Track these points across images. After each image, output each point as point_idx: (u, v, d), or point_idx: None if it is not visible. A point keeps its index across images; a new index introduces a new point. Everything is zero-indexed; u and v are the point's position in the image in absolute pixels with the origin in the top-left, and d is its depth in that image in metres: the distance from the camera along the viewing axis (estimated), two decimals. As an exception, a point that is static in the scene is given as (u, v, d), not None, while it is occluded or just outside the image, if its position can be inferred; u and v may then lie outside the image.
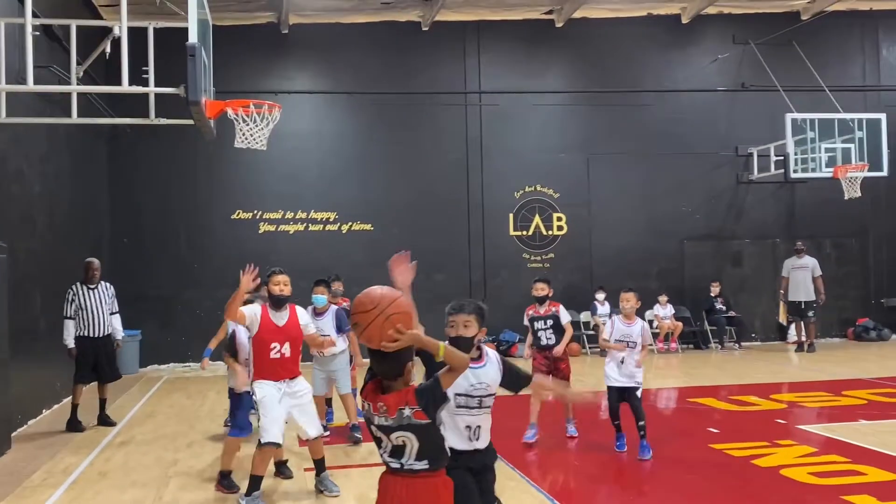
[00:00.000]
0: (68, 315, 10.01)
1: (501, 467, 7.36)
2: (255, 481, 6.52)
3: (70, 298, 10.02)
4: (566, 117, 18.01)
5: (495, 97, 17.61)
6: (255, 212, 16.85)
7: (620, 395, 8.03)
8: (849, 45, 18.89)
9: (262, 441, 6.52)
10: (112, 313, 10.38)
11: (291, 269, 15.71)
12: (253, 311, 6.81)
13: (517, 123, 17.72)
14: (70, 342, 9.97)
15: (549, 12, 17.77)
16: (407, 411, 3.47)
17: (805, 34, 17.86)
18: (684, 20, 18.23)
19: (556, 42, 18.01)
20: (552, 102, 17.86)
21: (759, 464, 7.46)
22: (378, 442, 3.64)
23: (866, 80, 18.87)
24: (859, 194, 16.67)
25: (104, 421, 10.23)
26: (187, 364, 16.25)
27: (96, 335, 10.10)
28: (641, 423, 7.82)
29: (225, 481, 7.11)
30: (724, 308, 17.68)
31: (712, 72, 18.24)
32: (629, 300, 8.17)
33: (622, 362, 8.04)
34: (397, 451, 3.58)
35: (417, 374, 3.74)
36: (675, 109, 18.07)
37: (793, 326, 17.67)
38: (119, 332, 10.53)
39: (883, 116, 17.09)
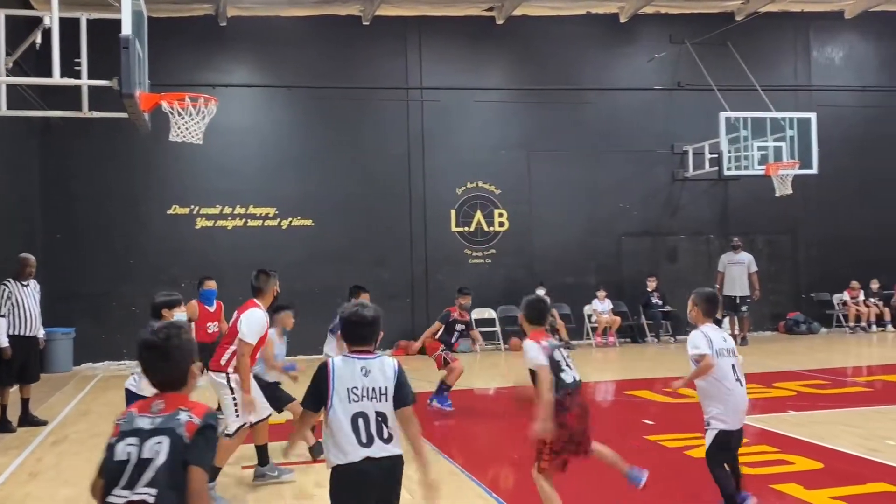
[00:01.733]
0: (1, 313, 9.71)
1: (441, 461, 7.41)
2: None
3: (6, 296, 9.72)
4: (507, 114, 18.13)
5: (437, 93, 17.63)
6: (192, 207, 16.60)
7: None
8: (781, 45, 19.39)
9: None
10: None
11: (230, 266, 15.66)
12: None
13: (459, 119, 17.78)
14: (4, 341, 9.67)
15: (490, 9, 17.86)
16: None
17: (739, 35, 18.27)
18: (622, 19, 18.50)
19: (497, 39, 18.12)
20: (493, 99, 17.96)
21: (693, 454, 7.61)
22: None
23: (798, 80, 19.39)
24: (790, 191, 17.13)
25: (31, 421, 9.95)
26: (122, 362, 15.94)
27: (29, 334, 9.83)
28: None
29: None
30: (660, 303, 18.02)
31: (649, 71, 18.54)
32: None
33: None
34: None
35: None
36: (614, 107, 18.34)
37: (726, 320, 18.06)
38: (42, 330, 10.25)
39: (813, 116, 17.57)
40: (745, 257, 17.41)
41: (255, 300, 6.95)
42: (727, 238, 18.39)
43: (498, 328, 17.33)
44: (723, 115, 17.23)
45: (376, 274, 16.88)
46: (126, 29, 8.22)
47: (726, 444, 5.78)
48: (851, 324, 18.74)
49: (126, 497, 2.98)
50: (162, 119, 9.93)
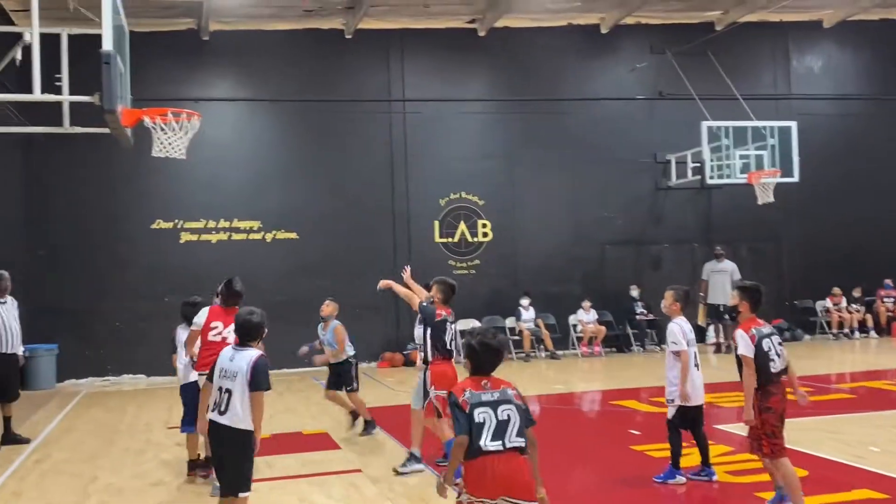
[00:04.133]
0: None
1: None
2: None
3: None
4: (490, 125, 18.19)
5: (419, 105, 17.67)
6: (176, 221, 16.53)
7: None
8: (761, 55, 19.55)
9: None
10: None
11: (215, 280, 15.45)
12: None
13: (441, 131, 17.82)
14: None
15: (472, 21, 17.93)
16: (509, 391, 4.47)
17: (719, 44, 18.41)
18: (603, 30, 18.61)
19: (479, 50, 18.19)
20: (476, 110, 18.01)
21: (681, 464, 7.64)
22: (479, 426, 4.28)
23: (778, 89, 19.55)
24: (772, 199, 17.24)
25: (13, 440, 9.82)
26: (106, 378, 15.84)
27: (8, 351, 9.72)
28: None
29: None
30: (644, 311, 18.08)
31: (631, 81, 18.65)
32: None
33: None
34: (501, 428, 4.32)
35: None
36: (596, 117, 18.42)
37: (711, 328, 18.16)
38: (22, 347, 10.16)
39: (794, 124, 17.69)
40: (729, 265, 17.51)
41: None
42: (711, 246, 18.48)
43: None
44: (704, 125, 17.33)
45: (360, 286, 16.85)
46: (107, 44, 8.19)
47: (685, 416, 7.12)
48: (835, 330, 18.86)
49: (500, 445, 4.26)
50: (145, 133, 9.88)
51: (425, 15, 17.40)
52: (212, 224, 16.68)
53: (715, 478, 7.12)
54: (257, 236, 16.90)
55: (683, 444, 7.24)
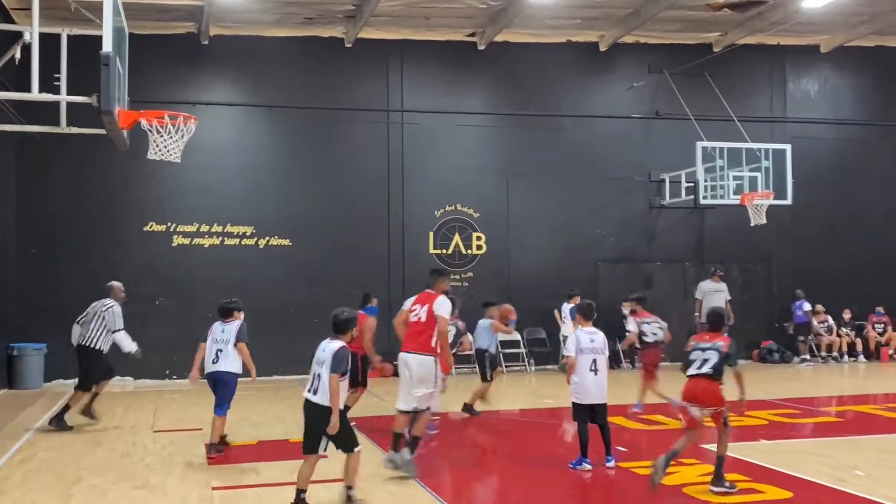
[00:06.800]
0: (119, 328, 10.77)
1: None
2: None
3: None
4: (487, 138, 18.24)
5: (417, 116, 17.73)
6: (169, 224, 16.52)
7: None
8: (758, 77, 19.67)
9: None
10: None
11: (206, 283, 15.55)
12: None
13: (439, 143, 17.86)
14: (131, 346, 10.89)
15: (472, 34, 18.01)
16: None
17: (716, 66, 18.54)
18: (602, 48, 18.70)
19: (479, 64, 18.26)
20: (473, 123, 18.07)
21: (664, 482, 7.63)
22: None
23: (773, 112, 19.66)
24: (765, 221, 17.32)
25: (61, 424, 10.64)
26: (94, 379, 15.75)
27: (90, 345, 10.83)
28: None
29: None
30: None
31: (628, 99, 18.74)
32: None
33: None
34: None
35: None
36: (592, 135, 18.50)
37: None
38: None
39: (788, 147, 17.79)
40: (723, 285, 17.60)
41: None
42: (703, 266, 18.54)
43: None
44: (699, 145, 17.42)
45: (353, 294, 16.82)
46: (107, 46, 8.22)
47: (581, 410, 8.31)
48: (823, 353, 18.91)
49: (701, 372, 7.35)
50: (141, 136, 9.90)
51: (426, 27, 17.47)
52: (205, 228, 16.67)
53: (612, 463, 8.27)
54: (250, 242, 16.89)
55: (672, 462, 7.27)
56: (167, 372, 16.04)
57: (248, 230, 16.90)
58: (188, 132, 9.63)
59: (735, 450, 9.04)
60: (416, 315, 8.26)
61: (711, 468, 8.14)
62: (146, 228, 16.41)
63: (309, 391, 6.60)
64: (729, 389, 7.41)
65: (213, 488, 7.50)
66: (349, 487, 6.81)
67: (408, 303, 8.64)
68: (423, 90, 17.90)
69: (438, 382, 8.23)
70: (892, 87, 20.03)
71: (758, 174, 17.52)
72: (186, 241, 16.60)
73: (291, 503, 6.62)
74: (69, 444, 9.80)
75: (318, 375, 6.55)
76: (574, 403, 8.35)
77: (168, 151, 9.51)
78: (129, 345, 11.01)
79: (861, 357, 18.99)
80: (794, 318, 18.78)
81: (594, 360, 8.25)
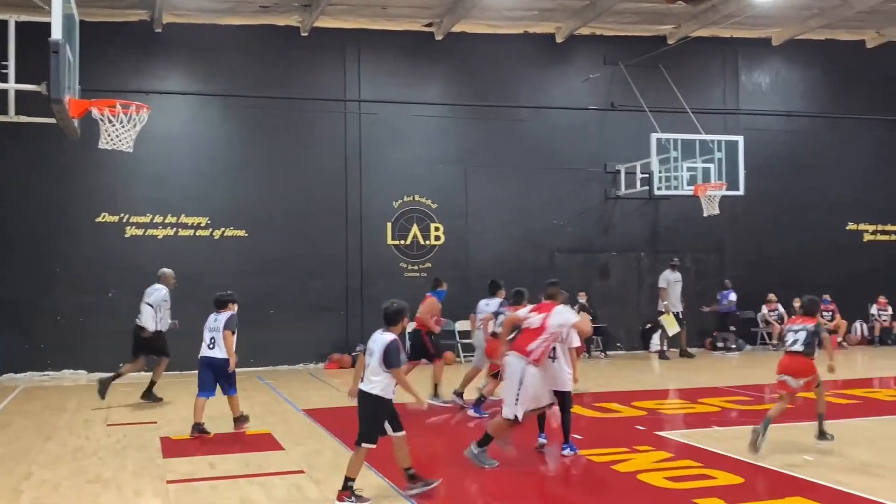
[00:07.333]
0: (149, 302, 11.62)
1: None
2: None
3: None
4: (445, 129, 18.24)
5: (375, 106, 17.66)
6: (122, 215, 16.27)
7: None
8: (711, 70, 19.93)
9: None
10: None
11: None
12: None
13: (396, 133, 17.81)
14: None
15: (430, 25, 17.97)
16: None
17: (671, 58, 18.74)
18: (559, 39, 18.80)
19: (436, 54, 18.24)
20: (431, 114, 18.05)
21: (619, 469, 7.76)
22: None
23: (726, 104, 19.94)
24: (717, 212, 17.58)
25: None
26: (46, 372, 15.50)
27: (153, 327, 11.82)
28: None
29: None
30: (591, 319, 18.22)
31: (584, 91, 18.87)
32: None
33: None
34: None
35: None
36: (549, 126, 18.60)
37: (655, 336, 18.40)
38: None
39: (741, 139, 18.07)
40: (680, 276, 17.91)
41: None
42: (657, 256, 18.78)
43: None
44: (654, 136, 17.61)
45: (310, 286, 16.81)
46: (56, 33, 8.05)
47: None
48: (775, 341, 19.25)
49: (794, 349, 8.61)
50: (92, 125, 9.72)
51: (383, 16, 17.39)
52: (158, 219, 16.45)
53: (568, 451, 8.39)
54: (205, 233, 16.71)
55: (624, 450, 7.37)
56: (121, 365, 15.79)
57: (203, 221, 16.71)
58: (141, 121, 9.49)
59: (688, 436, 9.24)
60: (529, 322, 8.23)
61: (667, 455, 8.31)
62: (98, 219, 16.14)
63: (362, 381, 6.78)
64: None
65: (168, 482, 7.43)
66: (408, 468, 6.87)
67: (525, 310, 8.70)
68: (380, 80, 17.82)
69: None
70: (840, 80, 20.44)
71: (711, 165, 17.77)
72: (140, 232, 16.37)
73: (339, 490, 6.65)
74: (19, 439, 9.63)
75: (367, 365, 6.74)
76: None
77: (120, 141, 9.36)
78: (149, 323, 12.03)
79: (811, 344, 19.36)
80: (718, 306, 19.05)
81: (553, 349, 8.32)
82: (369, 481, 7.17)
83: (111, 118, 9.23)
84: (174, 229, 16.55)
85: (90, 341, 15.37)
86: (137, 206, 16.32)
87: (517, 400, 7.77)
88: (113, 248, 16.05)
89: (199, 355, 9.74)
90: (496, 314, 11.04)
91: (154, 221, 16.44)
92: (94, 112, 9.22)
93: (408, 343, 11.29)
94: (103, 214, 16.17)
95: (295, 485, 7.30)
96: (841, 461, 8.04)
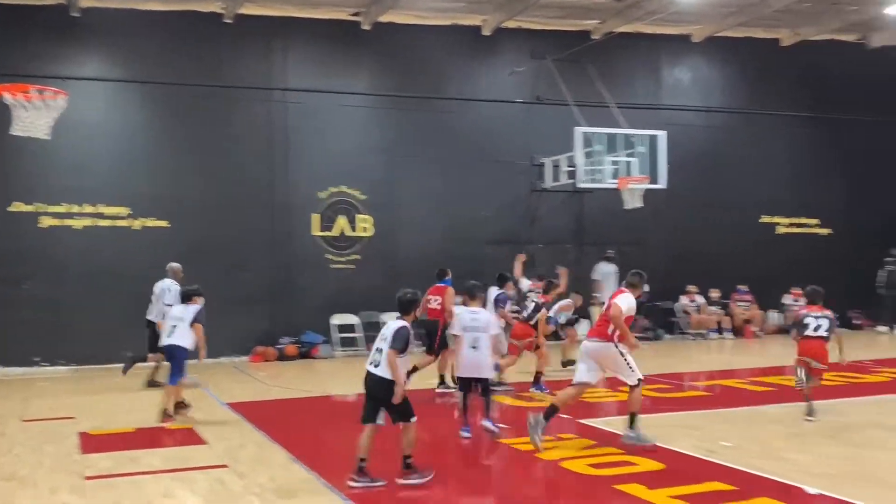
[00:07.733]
0: None
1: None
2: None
3: None
4: (372, 119, 18.14)
5: (301, 95, 17.45)
6: (37, 204, 15.72)
7: None
8: (635, 65, 20.28)
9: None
10: None
11: (78, 266, 14.96)
12: None
13: (323, 123, 17.63)
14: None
15: (356, 14, 17.84)
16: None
17: (596, 53, 18.98)
18: (485, 32, 18.88)
19: (363, 44, 18.11)
20: (359, 104, 17.92)
21: (543, 457, 7.88)
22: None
23: (649, 99, 20.31)
24: (641, 205, 17.91)
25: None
26: (-44, 367, 14.93)
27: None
28: None
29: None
30: (517, 309, 18.37)
31: (511, 84, 18.99)
32: None
33: None
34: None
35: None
36: (476, 118, 18.67)
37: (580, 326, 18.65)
38: None
39: (663, 133, 18.39)
40: (616, 267, 18.18)
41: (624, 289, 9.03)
42: (582, 248, 19.05)
43: (361, 334, 17.22)
44: (578, 130, 17.82)
45: (234, 277, 16.51)
46: (-34, 14, 7.73)
47: (462, 382, 9.08)
48: (692, 331, 19.79)
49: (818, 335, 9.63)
50: (5, 111, 9.38)
51: (309, 4, 17.20)
52: (76, 209, 15.95)
53: (488, 424, 8.99)
54: (125, 223, 16.28)
55: (549, 438, 7.48)
56: (36, 359, 15.34)
57: (124, 211, 16.27)
58: (58, 108, 9.20)
59: (610, 424, 9.42)
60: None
61: (590, 442, 8.47)
62: (10, 209, 15.57)
63: (370, 364, 6.96)
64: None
65: (87, 478, 7.25)
66: (407, 456, 6.98)
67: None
68: (306, 69, 17.63)
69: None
70: (758, 77, 21.04)
71: (634, 159, 18.08)
72: (56, 222, 15.84)
73: (353, 470, 6.85)
74: (-73, 437, 9.25)
75: (380, 350, 6.93)
76: (458, 377, 9.26)
77: (35, 128, 9.06)
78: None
79: (727, 334, 19.96)
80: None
81: (476, 338, 8.88)
82: (297, 475, 7.12)
83: (25, 104, 8.93)
84: (93, 219, 16.07)
85: (2, 335, 14.87)
86: (54, 196, 15.79)
87: (631, 368, 8.36)
88: (27, 239, 15.50)
89: (162, 344, 10.08)
90: (497, 300, 12.86)
91: (71, 212, 15.93)
92: (7, 97, 8.90)
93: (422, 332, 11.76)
94: (16, 203, 15.60)
95: (218, 479, 7.20)
96: (759, 447, 8.30)
